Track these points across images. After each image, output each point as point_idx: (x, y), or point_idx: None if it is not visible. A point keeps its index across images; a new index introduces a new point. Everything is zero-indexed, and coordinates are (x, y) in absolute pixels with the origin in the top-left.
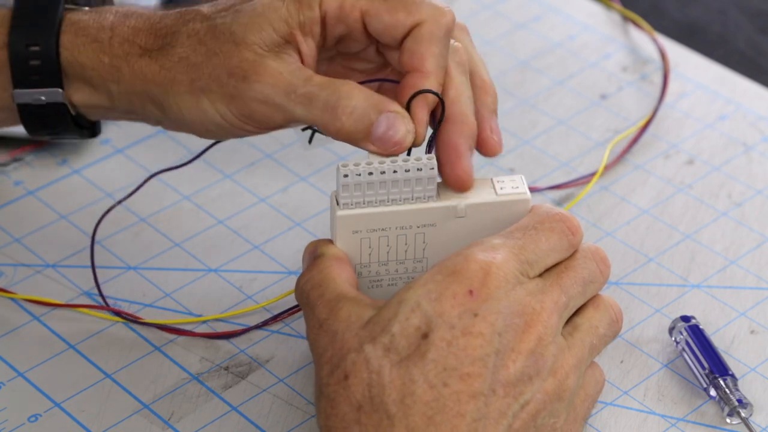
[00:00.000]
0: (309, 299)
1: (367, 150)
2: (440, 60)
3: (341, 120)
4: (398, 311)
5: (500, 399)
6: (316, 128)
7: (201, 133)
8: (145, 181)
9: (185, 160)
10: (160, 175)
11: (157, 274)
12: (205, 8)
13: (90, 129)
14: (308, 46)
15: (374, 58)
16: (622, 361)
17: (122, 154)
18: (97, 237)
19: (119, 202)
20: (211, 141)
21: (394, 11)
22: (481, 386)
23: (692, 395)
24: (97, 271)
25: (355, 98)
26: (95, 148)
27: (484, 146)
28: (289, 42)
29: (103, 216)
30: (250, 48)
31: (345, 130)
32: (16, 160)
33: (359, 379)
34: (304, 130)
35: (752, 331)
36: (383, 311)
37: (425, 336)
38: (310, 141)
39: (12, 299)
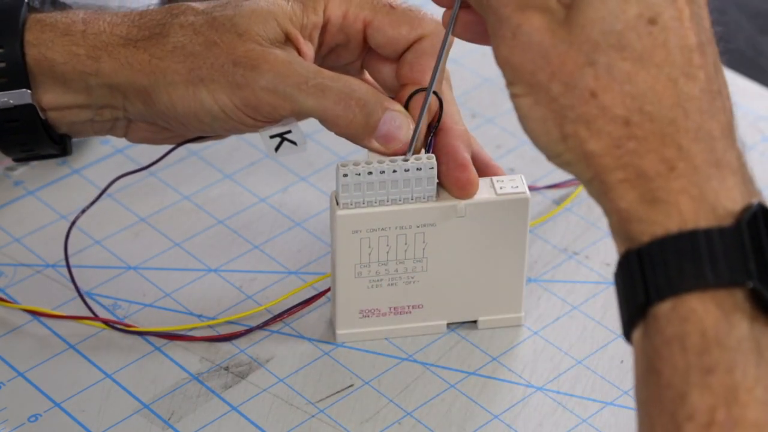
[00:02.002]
0: None
1: (368, 148)
2: (439, 75)
3: (354, 112)
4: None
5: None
6: (286, 137)
7: (192, 126)
8: (104, 191)
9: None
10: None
11: (157, 274)
12: (196, 4)
13: (61, 145)
14: (308, 49)
15: (355, 73)
16: (622, 361)
17: (122, 154)
18: (98, 237)
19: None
20: (174, 145)
21: (397, 25)
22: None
23: None
24: (97, 271)
25: (366, 92)
26: (95, 148)
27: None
28: (290, 41)
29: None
30: (254, 39)
31: (356, 123)
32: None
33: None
34: (272, 137)
35: None
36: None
37: (653, 22)
38: (276, 149)
39: (7, 297)
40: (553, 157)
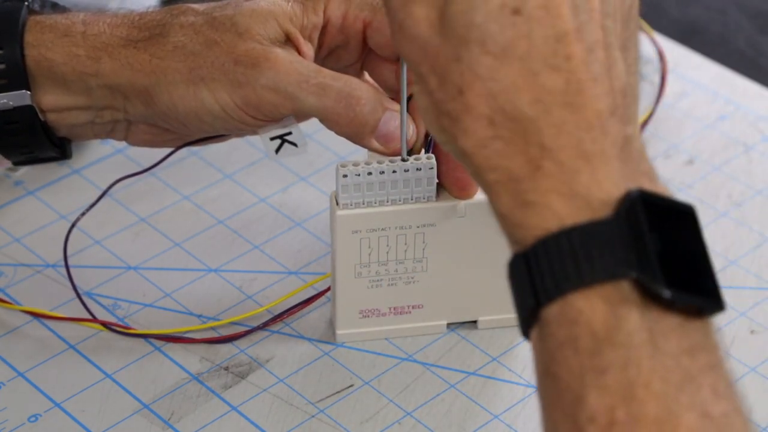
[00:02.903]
0: None
1: (368, 148)
2: None
3: (355, 110)
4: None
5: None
6: (286, 138)
7: (193, 126)
8: (104, 193)
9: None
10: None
11: (157, 274)
12: (196, 5)
13: (60, 148)
14: (308, 49)
15: (355, 74)
16: None
17: (122, 154)
18: (97, 237)
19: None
20: (172, 149)
21: None
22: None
23: None
24: (97, 271)
25: (366, 91)
26: (95, 148)
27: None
28: (290, 41)
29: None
30: (254, 38)
31: (357, 122)
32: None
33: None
34: (272, 139)
35: (752, 331)
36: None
37: (517, 12)
38: (277, 151)
39: (7, 297)
40: (443, 146)
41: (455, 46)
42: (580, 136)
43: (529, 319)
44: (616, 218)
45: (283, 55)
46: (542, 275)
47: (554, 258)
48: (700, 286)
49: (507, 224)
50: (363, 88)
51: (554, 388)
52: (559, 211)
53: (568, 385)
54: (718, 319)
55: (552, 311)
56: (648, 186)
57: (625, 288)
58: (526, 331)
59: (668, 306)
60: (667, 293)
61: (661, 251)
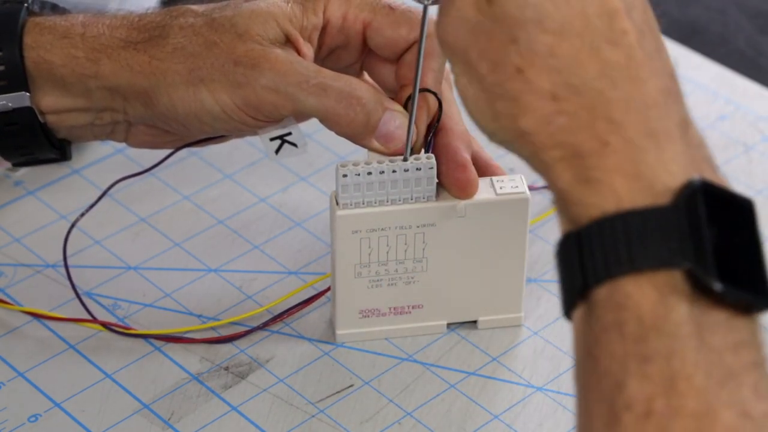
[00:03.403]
0: None
1: (368, 148)
2: (438, 75)
3: (356, 110)
4: None
5: None
6: (286, 139)
7: (193, 127)
8: (104, 194)
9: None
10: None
11: (157, 274)
12: (196, 7)
13: (60, 150)
14: (308, 50)
15: (355, 74)
16: None
17: (122, 154)
18: (97, 237)
19: (82, 214)
20: (172, 150)
21: (397, 26)
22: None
23: None
24: (97, 271)
25: (367, 91)
26: (95, 148)
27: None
28: (289, 42)
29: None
30: (254, 39)
31: (357, 122)
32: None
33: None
34: (272, 140)
35: None
36: None
37: None
38: (277, 151)
39: (7, 297)
40: (491, 136)
41: (510, 28)
42: (647, 113)
43: (574, 300)
44: (675, 207)
45: (283, 55)
46: (594, 256)
47: (608, 240)
48: (751, 282)
49: (564, 201)
50: (363, 89)
51: (594, 371)
52: (620, 192)
53: (608, 370)
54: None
55: (600, 293)
56: (709, 174)
57: (676, 278)
58: (569, 312)
59: (717, 300)
60: (719, 287)
61: (716, 244)
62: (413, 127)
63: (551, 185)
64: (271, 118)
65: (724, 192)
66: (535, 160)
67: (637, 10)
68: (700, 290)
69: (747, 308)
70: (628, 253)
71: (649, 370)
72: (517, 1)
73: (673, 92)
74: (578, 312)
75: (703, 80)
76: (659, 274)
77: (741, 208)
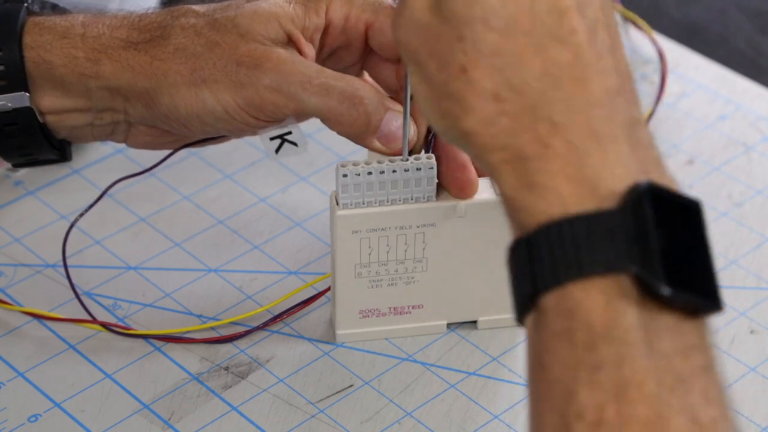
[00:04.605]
0: None
1: (369, 148)
2: None
3: (358, 110)
4: None
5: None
6: (286, 138)
7: (194, 127)
8: (103, 193)
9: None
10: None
11: (157, 274)
12: (197, 7)
13: (60, 150)
14: (309, 50)
15: (355, 74)
16: None
17: (122, 154)
18: (97, 237)
19: (81, 214)
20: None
21: None
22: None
23: None
24: (97, 271)
25: (369, 91)
26: (95, 148)
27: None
28: (291, 42)
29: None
30: (256, 39)
31: (360, 122)
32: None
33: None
34: (272, 139)
35: (752, 331)
36: None
37: None
38: (277, 151)
39: (7, 297)
40: (442, 135)
41: (456, 26)
42: (589, 114)
43: (525, 307)
44: (621, 210)
45: (286, 55)
46: (542, 262)
47: (555, 246)
48: (699, 285)
49: (511, 207)
50: (365, 89)
51: (545, 380)
52: (565, 196)
53: (559, 378)
54: (718, 319)
55: (549, 300)
56: (657, 177)
57: (625, 283)
58: (521, 318)
59: (666, 304)
60: (666, 291)
61: (664, 247)
62: (411, 126)
63: (498, 189)
64: (272, 118)
65: (671, 194)
66: (482, 161)
67: (592, 8)
68: (648, 294)
69: (695, 311)
70: (576, 259)
71: (599, 378)
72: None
73: (622, 92)
74: (529, 319)
75: (703, 80)
76: (607, 279)
77: (688, 210)
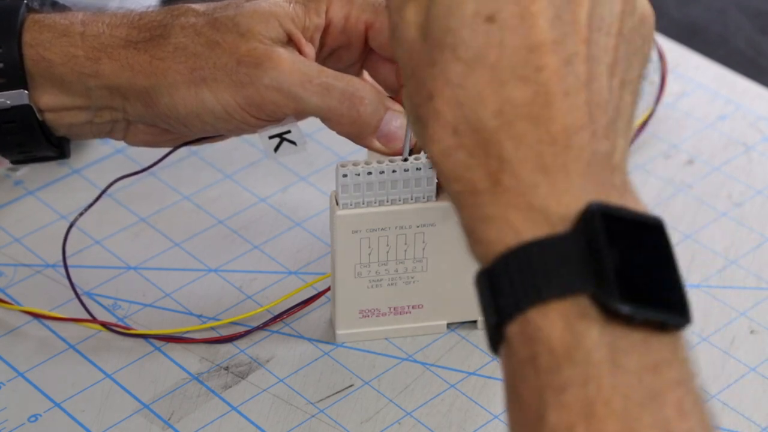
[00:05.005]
0: None
1: (369, 148)
2: None
3: (358, 110)
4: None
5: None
6: (285, 137)
7: (194, 127)
8: (103, 192)
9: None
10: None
11: (157, 274)
12: (197, 6)
13: (59, 147)
14: (309, 50)
15: (355, 74)
16: None
17: (122, 154)
18: (97, 237)
19: (80, 214)
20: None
21: None
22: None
23: None
24: (97, 271)
25: (369, 91)
26: (95, 147)
27: None
28: (292, 41)
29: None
30: (256, 38)
31: (360, 122)
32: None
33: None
34: (271, 138)
35: (752, 331)
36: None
37: (491, 20)
38: (276, 150)
39: (7, 297)
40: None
41: (431, 50)
42: (540, 150)
43: (494, 337)
44: (573, 232)
45: (286, 54)
46: (503, 292)
47: (514, 274)
48: (663, 301)
49: (470, 240)
50: (366, 88)
51: (517, 407)
52: (517, 225)
53: (529, 404)
54: (718, 319)
55: (513, 329)
56: (616, 200)
57: (584, 304)
58: (494, 350)
59: (629, 321)
60: (624, 308)
61: (620, 266)
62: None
63: (457, 218)
64: (272, 117)
65: (627, 213)
66: (446, 188)
67: (573, 41)
68: (610, 314)
69: (663, 327)
70: (533, 285)
71: (565, 399)
72: (441, 24)
73: (588, 126)
74: (501, 350)
75: (703, 80)
76: (565, 303)
77: (648, 228)
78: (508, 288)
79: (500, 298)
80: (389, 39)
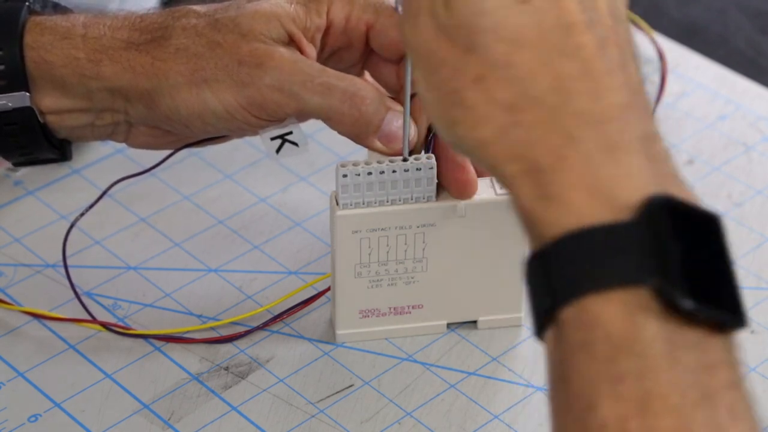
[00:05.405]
0: None
1: (370, 147)
2: None
3: (360, 110)
4: None
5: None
6: (287, 138)
7: (195, 128)
8: (104, 194)
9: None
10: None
11: (157, 274)
12: (198, 7)
13: (60, 150)
14: (310, 51)
15: (356, 74)
16: None
17: (122, 154)
18: (97, 237)
19: (81, 214)
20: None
21: None
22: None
23: None
24: (97, 271)
25: (370, 91)
26: (95, 148)
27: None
28: (293, 42)
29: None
30: (257, 38)
31: (361, 121)
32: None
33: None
34: (273, 139)
35: (752, 331)
36: None
37: (524, 1)
38: (277, 151)
39: (7, 297)
40: (453, 146)
41: (468, 35)
42: (604, 126)
43: (544, 321)
44: (638, 222)
45: (287, 54)
46: (559, 276)
47: (572, 259)
48: (722, 299)
49: (527, 219)
50: (367, 88)
51: (566, 393)
52: (580, 208)
53: (581, 391)
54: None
55: (568, 314)
56: (674, 189)
57: (644, 295)
58: (540, 333)
59: (689, 318)
60: (689, 304)
61: (684, 260)
62: (411, 126)
63: (514, 201)
64: (274, 117)
65: (689, 206)
66: (496, 172)
67: (602, 25)
68: (669, 308)
69: (721, 327)
70: (592, 272)
71: (621, 390)
72: (473, 8)
73: (634, 107)
74: (549, 333)
75: (703, 80)
76: (626, 292)
77: (708, 223)
78: (565, 272)
79: (555, 282)
80: (401, 27)
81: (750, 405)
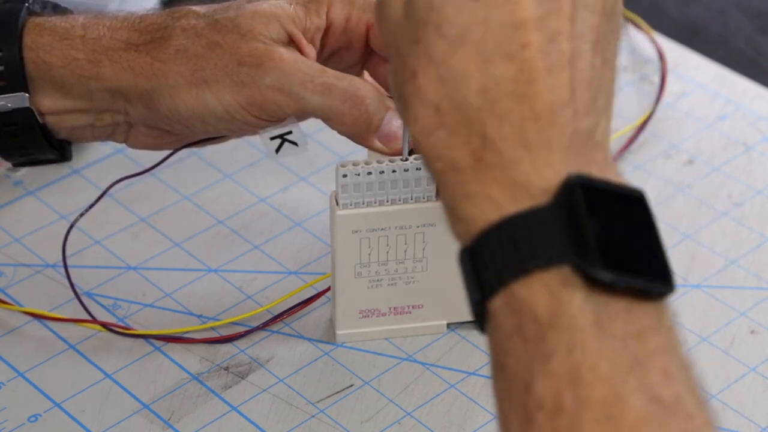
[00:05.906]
0: None
1: (370, 147)
2: None
3: (360, 110)
4: None
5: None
6: (287, 138)
7: (195, 128)
8: (104, 194)
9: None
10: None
11: (157, 274)
12: (198, 8)
13: (60, 150)
14: (310, 51)
15: (356, 74)
16: None
17: (122, 154)
18: (97, 237)
19: (81, 214)
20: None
21: None
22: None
23: None
24: (97, 271)
25: (370, 91)
26: (95, 148)
27: None
28: (292, 42)
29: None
30: (257, 38)
31: (361, 121)
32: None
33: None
34: (273, 139)
35: (752, 331)
36: None
37: None
38: (277, 151)
39: (7, 297)
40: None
41: (415, 28)
42: (523, 126)
43: (480, 314)
44: (554, 204)
45: (288, 54)
46: (486, 268)
47: (496, 248)
48: (645, 269)
49: (451, 218)
50: (367, 88)
51: (504, 379)
52: (499, 200)
53: (516, 374)
54: (718, 319)
55: (497, 303)
56: (597, 173)
57: (566, 273)
58: (482, 327)
59: (612, 289)
60: (606, 276)
61: (601, 235)
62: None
63: (440, 199)
64: (274, 117)
65: (608, 185)
66: (427, 167)
67: (557, 18)
68: (593, 283)
69: (646, 294)
70: (516, 258)
71: (552, 367)
72: (424, 2)
73: (570, 103)
74: (488, 325)
75: (703, 80)
76: (548, 273)
77: (630, 200)
78: (491, 263)
79: (483, 274)
80: (375, 18)
81: (685, 366)
